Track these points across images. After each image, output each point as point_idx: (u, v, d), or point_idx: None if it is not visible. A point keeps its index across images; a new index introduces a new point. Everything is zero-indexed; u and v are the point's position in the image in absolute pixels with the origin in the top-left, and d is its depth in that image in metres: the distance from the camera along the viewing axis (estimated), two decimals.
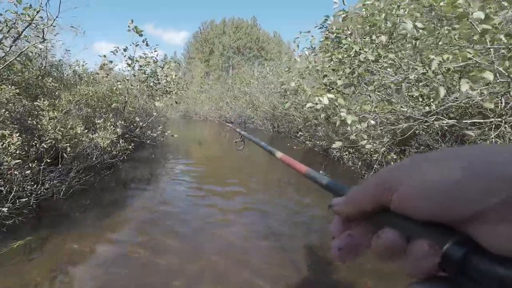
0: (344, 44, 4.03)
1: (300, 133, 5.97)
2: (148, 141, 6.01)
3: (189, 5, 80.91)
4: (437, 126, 3.26)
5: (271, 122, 14.88)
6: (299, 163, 0.52)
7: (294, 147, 6.41)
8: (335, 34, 4.23)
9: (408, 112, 2.99)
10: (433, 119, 2.86)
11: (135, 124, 6.05)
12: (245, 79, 17.78)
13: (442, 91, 2.15)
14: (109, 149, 3.59)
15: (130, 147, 4.28)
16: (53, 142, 3.01)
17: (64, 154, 3.23)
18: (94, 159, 3.68)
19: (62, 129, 3.12)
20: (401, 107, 3.14)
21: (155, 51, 6.79)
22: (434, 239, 0.18)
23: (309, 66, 4.79)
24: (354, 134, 3.39)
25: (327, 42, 4.38)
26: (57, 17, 3.50)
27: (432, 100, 2.98)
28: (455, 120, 2.94)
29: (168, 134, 6.16)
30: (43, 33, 3.54)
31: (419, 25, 2.49)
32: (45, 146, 2.88)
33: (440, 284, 0.18)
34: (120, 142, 3.89)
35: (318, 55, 5.24)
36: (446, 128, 3.59)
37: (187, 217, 3.13)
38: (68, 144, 3.27)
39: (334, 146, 2.96)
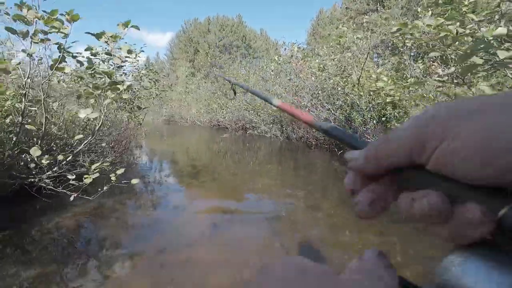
0: None
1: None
2: (72, 196, 2.68)
3: (173, 5, 76.27)
4: None
5: (279, 126, 11.64)
6: (302, 111, 0.42)
7: None
8: None
9: None
10: None
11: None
12: (241, 76, 14.46)
13: None
14: None
15: None
16: None
17: None
18: None
19: None
20: None
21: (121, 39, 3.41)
22: (486, 203, 0.15)
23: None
24: None
25: None
26: None
27: None
28: None
29: (114, 181, 2.64)
30: None
31: None
32: None
33: (487, 251, 0.15)
34: None
35: None
36: None
37: None
38: None
39: None
